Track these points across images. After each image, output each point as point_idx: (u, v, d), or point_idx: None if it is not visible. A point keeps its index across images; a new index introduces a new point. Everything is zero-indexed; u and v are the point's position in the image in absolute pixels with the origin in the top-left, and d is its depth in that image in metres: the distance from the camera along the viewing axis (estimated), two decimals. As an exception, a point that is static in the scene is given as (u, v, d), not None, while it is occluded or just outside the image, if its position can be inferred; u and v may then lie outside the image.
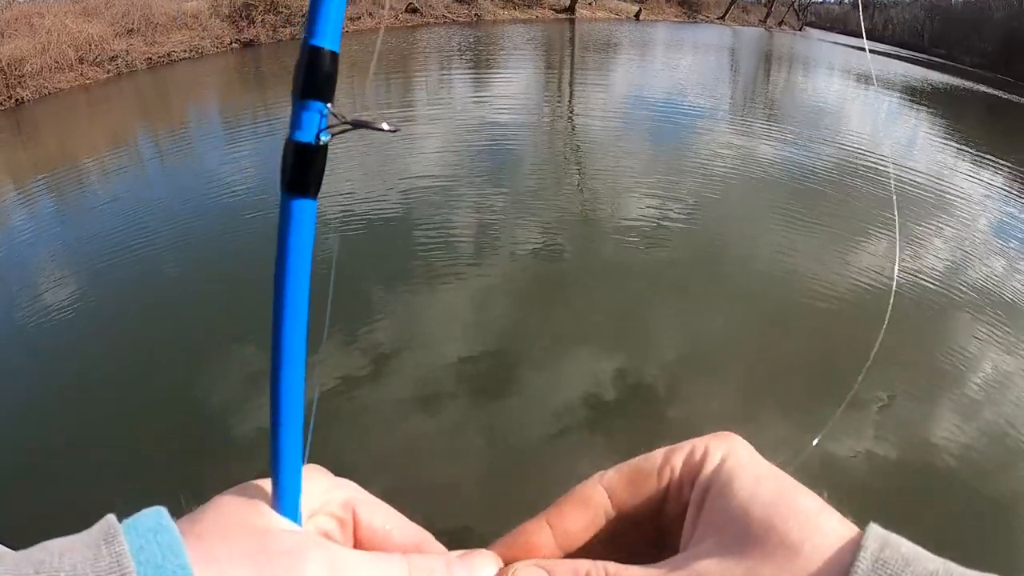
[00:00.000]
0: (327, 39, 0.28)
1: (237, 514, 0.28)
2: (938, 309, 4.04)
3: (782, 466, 0.30)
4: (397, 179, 5.50)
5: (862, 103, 12.57)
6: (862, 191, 6.06)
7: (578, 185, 6.00)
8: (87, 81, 10.46)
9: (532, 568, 0.30)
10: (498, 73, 12.16)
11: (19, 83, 9.27)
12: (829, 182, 6.35)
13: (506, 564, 0.31)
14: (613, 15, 26.33)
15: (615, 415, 2.92)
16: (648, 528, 0.32)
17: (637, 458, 0.33)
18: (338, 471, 0.34)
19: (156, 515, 0.26)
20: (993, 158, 8.89)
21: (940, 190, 6.71)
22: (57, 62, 9.99)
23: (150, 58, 11.80)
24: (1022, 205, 6.82)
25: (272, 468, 0.30)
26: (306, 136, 0.28)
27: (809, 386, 3.12)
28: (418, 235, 4.51)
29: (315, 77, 0.27)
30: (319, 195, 0.29)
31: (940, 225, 5.57)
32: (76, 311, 3.64)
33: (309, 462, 0.32)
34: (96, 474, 2.53)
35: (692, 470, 0.31)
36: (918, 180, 6.97)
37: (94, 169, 6.40)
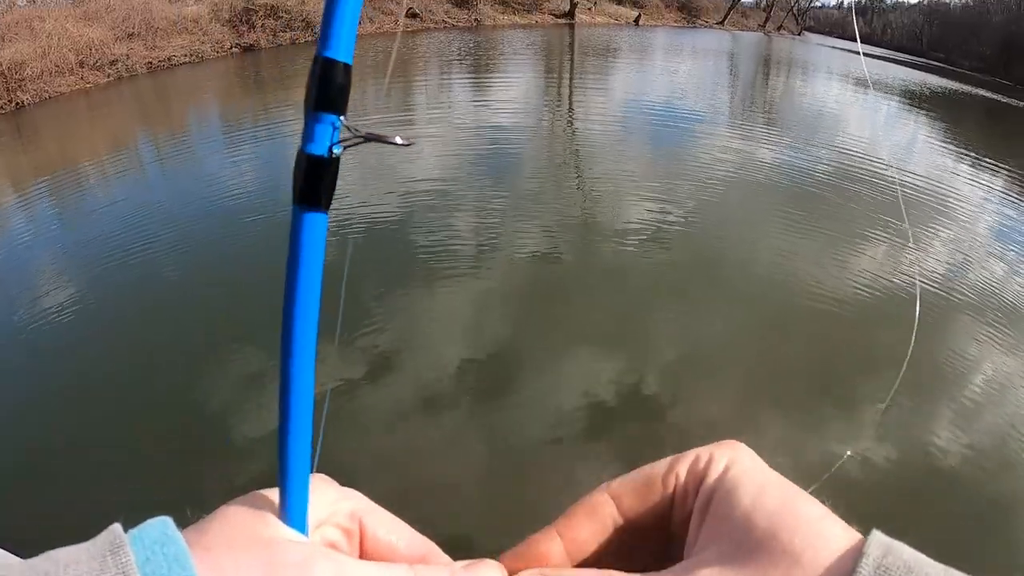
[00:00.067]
0: (340, 51, 0.27)
1: (244, 525, 0.28)
2: (957, 316, 4.04)
3: (814, 476, 0.30)
4: (397, 183, 5.51)
5: (861, 107, 12.61)
6: (863, 196, 6.07)
7: (578, 189, 6.01)
8: (87, 85, 10.47)
9: None
10: (498, 78, 12.19)
11: (19, 87, 9.28)
12: (829, 186, 6.36)
13: (512, 575, 0.31)
14: (613, 20, 26.41)
15: (622, 419, 2.92)
16: (655, 536, 0.32)
17: (643, 467, 0.33)
18: (341, 475, 0.34)
19: (162, 525, 0.26)
20: (992, 161, 8.91)
21: (942, 194, 6.72)
22: (57, 66, 10.00)
23: (150, 62, 11.82)
24: (1021, 207, 6.84)
25: (280, 478, 0.30)
26: (318, 149, 0.28)
27: (832, 393, 3.13)
28: (419, 239, 4.51)
29: (328, 89, 0.27)
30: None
31: (947, 230, 5.58)
32: (76, 313, 3.64)
33: (314, 471, 0.32)
34: (96, 474, 2.53)
35: (697, 477, 0.31)
36: (918, 184, 6.99)
37: (94, 173, 6.41)
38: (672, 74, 14.32)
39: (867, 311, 3.92)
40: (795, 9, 38.84)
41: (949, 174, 7.92)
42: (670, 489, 0.32)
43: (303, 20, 14.86)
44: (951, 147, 9.95)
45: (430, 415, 2.85)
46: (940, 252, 5.09)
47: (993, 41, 29.57)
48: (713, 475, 0.30)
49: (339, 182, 0.29)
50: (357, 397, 2.93)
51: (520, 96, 10.09)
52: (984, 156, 9.20)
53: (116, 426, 2.79)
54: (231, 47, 13.68)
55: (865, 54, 19.61)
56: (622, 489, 0.32)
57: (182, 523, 0.27)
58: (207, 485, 2.43)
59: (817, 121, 10.14)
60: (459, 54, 14.62)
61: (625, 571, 0.31)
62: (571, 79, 13.00)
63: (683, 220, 5.17)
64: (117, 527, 0.25)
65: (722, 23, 32.20)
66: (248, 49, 13.94)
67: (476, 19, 20.36)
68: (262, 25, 14.36)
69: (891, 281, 4.30)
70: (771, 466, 0.31)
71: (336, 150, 0.28)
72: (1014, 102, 18.23)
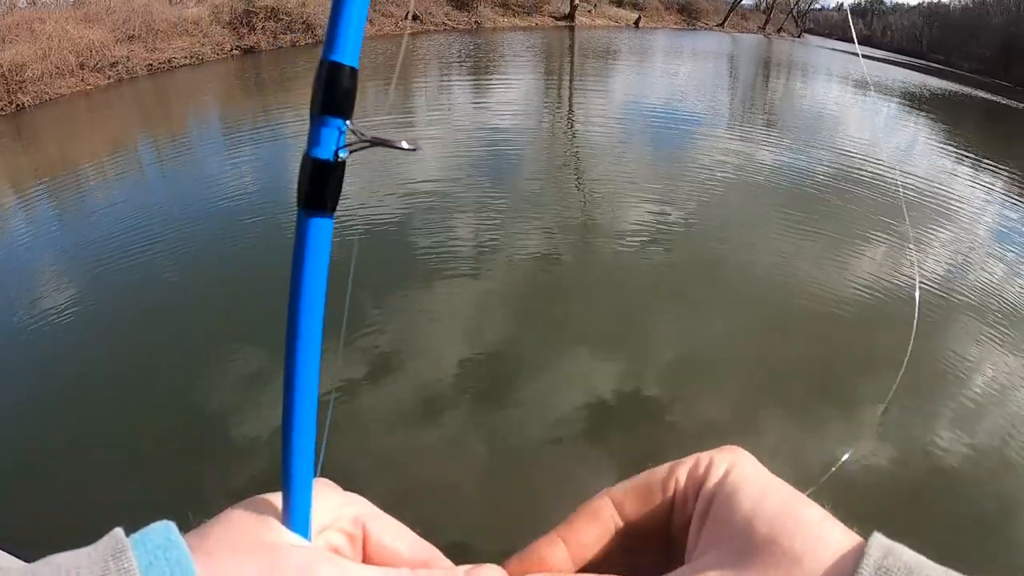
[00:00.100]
0: (347, 55, 0.27)
1: (247, 529, 0.28)
2: (956, 317, 4.04)
3: (813, 478, 0.30)
4: (397, 184, 5.51)
5: (860, 109, 12.62)
6: (863, 197, 6.07)
7: (579, 190, 6.01)
8: (88, 87, 10.48)
9: None
10: (498, 80, 12.21)
11: (20, 88, 9.29)
12: (829, 188, 6.36)
13: None
14: (612, 22, 26.46)
15: (622, 419, 2.91)
16: (657, 540, 0.32)
17: (644, 472, 0.33)
18: (343, 477, 0.34)
19: (165, 530, 0.26)
20: (991, 163, 8.92)
21: (942, 195, 6.72)
22: (58, 68, 10.02)
23: (151, 64, 11.83)
24: (1020, 209, 6.85)
25: (283, 483, 0.30)
26: (324, 153, 0.28)
27: (831, 395, 3.13)
28: (419, 240, 4.51)
29: (334, 93, 0.27)
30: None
31: (947, 231, 5.58)
32: (76, 314, 3.64)
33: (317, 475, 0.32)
34: (96, 475, 2.53)
35: (696, 482, 0.31)
36: (919, 186, 6.99)
37: (94, 175, 6.41)
38: (672, 76, 14.34)
39: (866, 312, 3.92)
40: (795, 11, 38.90)
41: (948, 176, 7.93)
42: (670, 493, 0.32)
43: (303, 22, 14.89)
44: (951, 149, 9.96)
45: (432, 417, 2.85)
46: (939, 253, 5.09)
47: (993, 43, 29.62)
48: (713, 480, 0.31)
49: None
50: (359, 399, 2.93)
51: (520, 98, 10.10)
52: (984, 157, 9.21)
53: (116, 426, 2.80)
54: (231, 49, 13.70)
55: (865, 56, 19.65)
56: (623, 494, 0.33)
57: (184, 527, 0.27)
58: (207, 485, 2.43)
59: (817, 123, 10.15)
60: (459, 56, 14.64)
61: (627, 575, 0.31)
62: (571, 81, 13.02)
63: (683, 221, 5.17)
64: (119, 531, 0.25)
65: (722, 25, 32.24)
66: (248, 51, 13.96)
67: (476, 21, 20.39)
68: (262, 27, 14.38)
69: (890, 282, 4.30)
70: (770, 469, 0.31)
71: (342, 154, 0.28)
72: (1014, 104, 18.25)
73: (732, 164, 6.96)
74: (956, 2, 38.11)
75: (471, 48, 15.97)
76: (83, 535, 0.26)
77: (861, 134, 9.75)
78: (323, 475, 0.33)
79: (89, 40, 10.74)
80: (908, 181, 7.12)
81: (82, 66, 10.53)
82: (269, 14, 14.50)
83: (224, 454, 2.60)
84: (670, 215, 5.27)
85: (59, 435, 2.76)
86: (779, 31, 36.34)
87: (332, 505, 0.32)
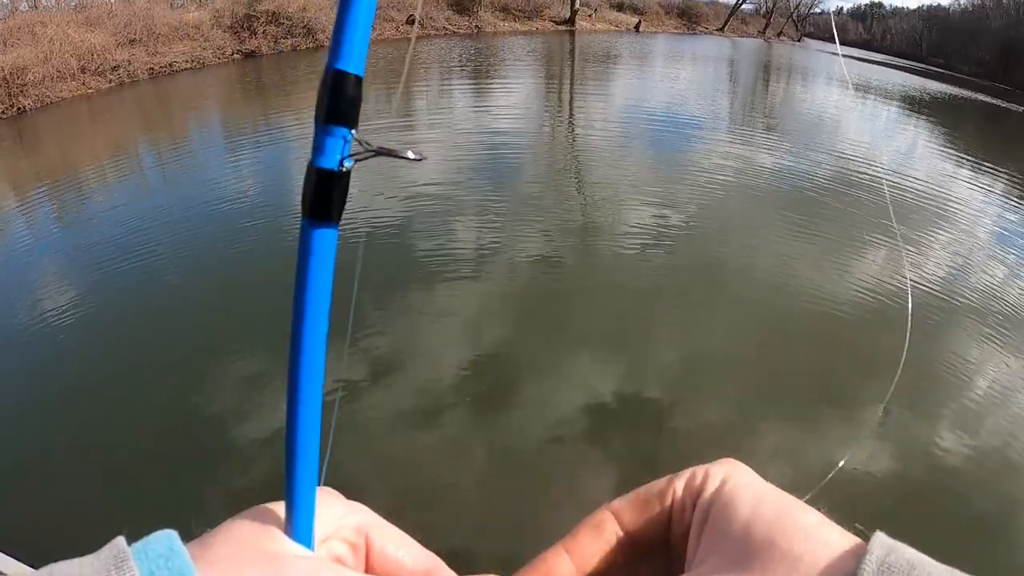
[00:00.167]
0: (352, 63, 0.27)
1: (249, 539, 0.28)
2: (952, 319, 4.05)
3: (810, 483, 0.30)
4: (399, 187, 5.52)
5: (860, 112, 12.63)
6: (862, 201, 6.07)
7: (579, 195, 6.02)
8: (89, 90, 10.51)
9: None
10: (499, 84, 12.23)
11: (21, 92, 9.32)
12: (828, 191, 6.37)
13: None
14: (613, 27, 26.52)
15: (627, 424, 2.92)
16: (657, 550, 0.33)
17: (643, 486, 0.34)
18: (345, 484, 0.34)
19: (167, 539, 0.25)
20: (991, 165, 8.93)
21: (941, 198, 6.73)
22: (59, 71, 10.05)
23: (152, 68, 11.86)
24: (1019, 211, 6.85)
25: (287, 493, 0.29)
26: (329, 163, 0.27)
27: (828, 400, 3.13)
28: (421, 243, 4.52)
29: (339, 102, 0.27)
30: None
31: (944, 234, 5.59)
32: (77, 317, 3.65)
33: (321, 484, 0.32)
34: (97, 476, 2.53)
35: (693, 492, 0.32)
36: (918, 188, 7.00)
37: (95, 178, 6.43)
38: (672, 80, 14.37)
39: (864, 314, 3.92)
40: (794, 16, 39.01)
41: (947, 178, 7.94)
42: (667, 504, 0.32)
43: (304, 27, 14.93)
44: (950, 151, 9.97)
45: (434, 421, 2.85)
46: (939, 255, 5.10)
47: (992, 46, 29.71)
48: (709, 489, 0.31)
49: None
50: (362, 404, 2.92)
51: (521, 102, 10.12)
52: (984, 160, 9.23)
53: (117, 428, 2.80)
54: (232, 53, 13.74)
55: (865, 59, 19.78)
56: (623, 507, 0.33)
57: (186, 535, 0.27)
58: (208, 487, 2.43)
59: (817, 126, 10.17)
60: (460, 61, 14.67)
61: None
62: (572, 85, 13.05)
63: (683, 224, 5.18)
64: (121, 540, 0.25)
65: (722, 29, 32.33)
66: (249, 55, 13.99)
67: (477, 26, 20.44)
68: (263, 31, 14.42)
69: (887, 284, 4.31)
70: (768, 472, 0.32)
71: (347, 164, 0.27)
72: (1013, 106, 18.29)
73: (732, 167, 6.97)
74: (956, 5, 38.26)
75: (472, 52, 16.01)
76: (84, 537, 0.25)
77: (860, 137, 9.77)
78: (327, 479, 0.33)
79: (90, 44, 10.77)
80: (909, 184, 7.12)
81: (83, 70, 10.56)
82: (270, 18, 14.54)
83: (225, 456, 2.61)
84: (670, 218, 5.28)
85: (59, 436, 2.77)
86: (779, 35, 36.44)
87: (335, 514, 0.32)
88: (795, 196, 6.24)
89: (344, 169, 0.27)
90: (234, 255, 4.43)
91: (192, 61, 12.68)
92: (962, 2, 37.20)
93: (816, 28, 43.53)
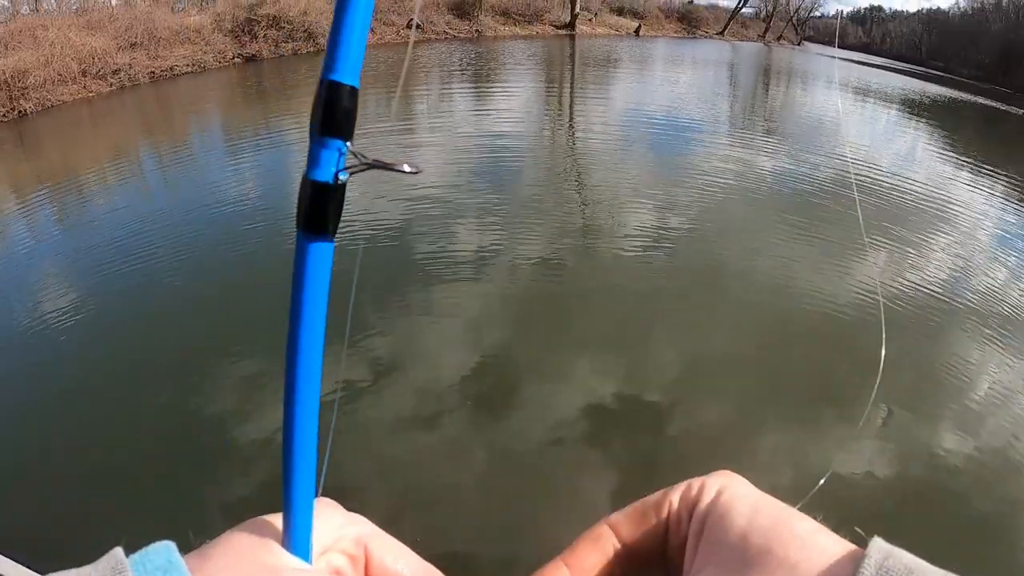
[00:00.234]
0: (347, 74, 0.26)
1: (247, 551, 0.28)
2: (949, 323, 4.04)
3: (807, 485, 0.31)
4: (399, 191, 5.52)
5: (860, 116, 12.65)
6: (860, 203, 6.08)
7: (579, 198, 6.02)
8: (90, 94, 10.53)
9: None
10: (499, 88, 12.25)
11: (22, 95, 9.33)
12: (828, 195, 6.37)
13: None
14: (613, 31, 26.56)
15: (629, 427, 2.91)
16: (655, 562, 0.33)
17: (640, 500, 0.34)
18: (343, 491, 0.34)
19: (165, 551, 0.25)
20: (990, 168, 8.94)
21: (941, 199, 6.74)
22: (60, 75, 10.06)
23: (153, 72, 11.88)
24: (1019, 213, 6.86)
25: (284, 505, 0.29)
26: (323, 175, 0.27)
27: (812, 409, 3.12)
28: (421, 247, 4.52)
29: (334, 114, 0.26)
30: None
31: (945, 236, 5.59)
32: (77, 319, 3.65)
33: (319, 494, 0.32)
34: (97, 478, 2.53)
35: (689, 504, 0.32)
36: (917, 190, 7.00)
37: (96, 181, 6.43)
38: (672, 84, 14.40)
39: (864, 317, 3.92)
40: (794, 19, 39.07)
41: (947, 180, 7.95)
42: (664, 516, 0.33)
43: (305, 31, 14.96)
44: (950, 154, 9.98)
45: (434, 424, 2.85)
46: (938, 256, 5.09)
47: (992, 49, 29.76)
48: (705, 501, 0.31)
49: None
50: (361, 406, 2.92)
51: (521, 106, 10.14)
52: (983, 163, 9.24)
53: (117, 430, 2.80)
54: (233, 57, 13.76)
55: (864, 63, 19.80)
56: (620, 519, 0.34)
57: (184, 546, 0.27)
58: (207, 491, 2.42)
59: (816, 129, 10.17)
60: (460, 65, 14.70)
61: None
62: (572, 89, 13.06)
63: (683, 227, 5.18)
64: (119, 551, 0.25)
65: (722, 33, 32.39)
66: (250, 59, 14.02)
67: (477, 30, 20.48)
68: (264, 35, 14.45)
69: (886, 287, 4.32)
70: (765, 477, 0.32)
71: (342, 177, 0.27)
72: (1013, 109, 18.31)
73: (731, 171, 6.98)
74: (955, 9, 38.34)
75: (472, 56, 16.04)
76: (83, 537, 0.25)
77: (860, 140, 9.78)
78: (327, 480, 0.33)
79: (91, 47, 10.79)
80: (908, 186, 7.13)
81: (84, 73, 10.58)
82: (271, 22, 14.57)
83: (225, 456, 2.60)
84: (669, 221, 5.28)
85: (60, 438, 2.77)
86: (779, 39, 36.50)
87: (334, 525, 0.32)
88: (794, 199, 6.24)
89: (339, 182, 0.27)
90: (234, 258, 4.44)
91: (193, 65, 12.70)
92: (962, 5, 37.33)
93: (816, 32, 43.62)
